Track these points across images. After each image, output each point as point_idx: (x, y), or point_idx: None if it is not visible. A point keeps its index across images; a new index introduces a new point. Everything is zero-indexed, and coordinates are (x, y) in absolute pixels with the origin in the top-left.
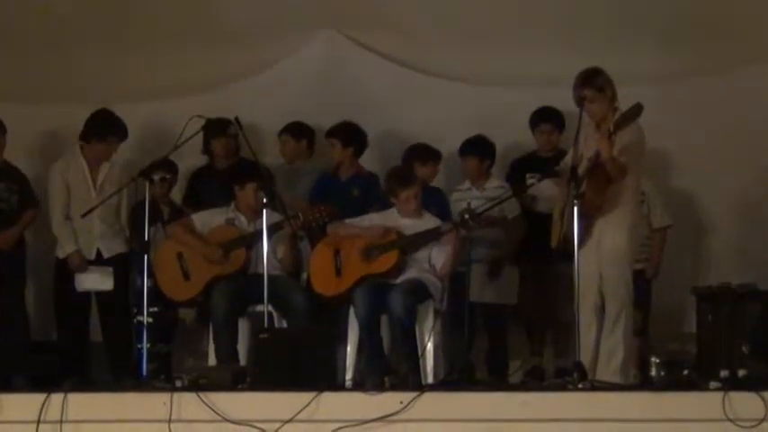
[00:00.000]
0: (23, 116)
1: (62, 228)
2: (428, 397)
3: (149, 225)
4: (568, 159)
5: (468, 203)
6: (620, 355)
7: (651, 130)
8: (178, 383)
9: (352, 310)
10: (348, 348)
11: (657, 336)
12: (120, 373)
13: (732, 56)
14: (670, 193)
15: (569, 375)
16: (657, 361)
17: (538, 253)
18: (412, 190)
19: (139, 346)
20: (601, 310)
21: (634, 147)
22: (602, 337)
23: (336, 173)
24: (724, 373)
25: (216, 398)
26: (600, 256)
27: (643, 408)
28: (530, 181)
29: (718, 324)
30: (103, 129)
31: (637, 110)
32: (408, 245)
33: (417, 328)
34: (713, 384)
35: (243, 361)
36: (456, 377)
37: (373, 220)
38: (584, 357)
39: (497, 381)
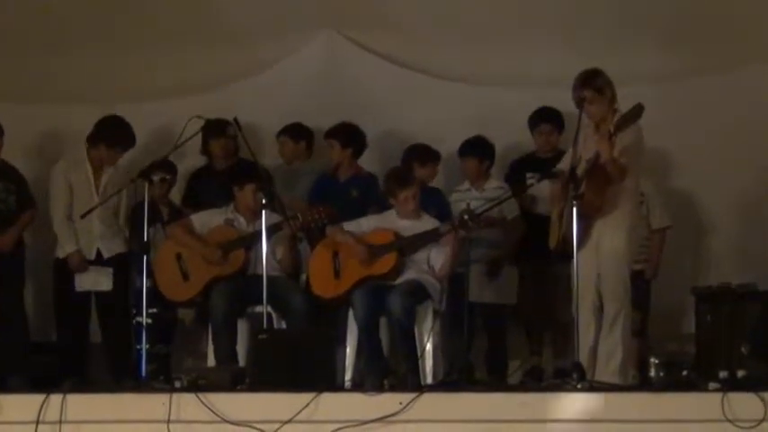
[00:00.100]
0: (23, 116)
1: (64, 227)
2: (427, 398)
3: (149, 226)
4: (567, 160)
5: (468, 204)
6: (618, 355)
7: (651, 130)
8: (177, 384)
9: (350, 312)
10: (347, 349)
11: (657, 336)
12: (120, 374)
13: (732, 56)
14: (670, 193)
15: (568, 376)
16: (656, 361)
17: (537, 253)
18: (410, 191)
19: (139, 346)
20: (599, 310)
21: (633, 148)
22: (601, 338)
23: (335, 174)
24: (723, 374)
25: (215, 398)
26: (598, 257)
27: (642, 408)
28: (530, 181)
29: (718, 324)
30: (113, 135)
31: (638, 111)
32: (407, 246)
33: (416, 329)
34: (712, 385)
35: (242, 362)
36: (455, 378)
37: (371, 222)
38: (583, 358)
39: (496, 381)
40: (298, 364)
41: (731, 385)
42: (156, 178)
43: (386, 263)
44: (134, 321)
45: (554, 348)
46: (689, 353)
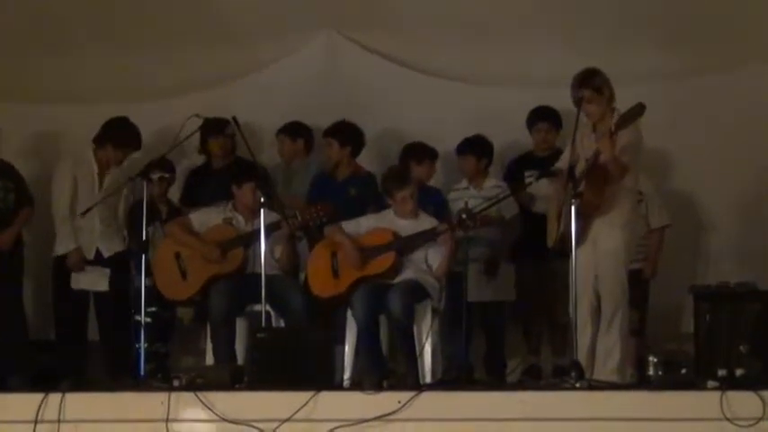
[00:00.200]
0: (22, 116)
1: (66, 224)
2: (426, 396)
3: (147, 224)
4: (565, 159)
5: (466, 203)
6: (616, 355)
7: (651, 130)
8: (176, 383)
9: (349, 311)
10: (346, 348)
11: (655, 335)
12: (118, 373)
13: (732, 55)
14: (669, 193)
15: (567, 374)
16: (655, 360)
17: (535, 252)
18: (408, 190)
19: (137, 345)
20: (597, 309)
21: (632, 147)
22: (599, 337)
23: (334, 172)
24: (722, 373)
25: (214, 397)
26: (596, 256)
27: (641, 407)
28: (528, 179)
29: (717, 323)
30: (120, 137)
31: (638, 110)
32: (405, 246)
33: (415, 328)
34: (711, 384)
35: (241, 360)
36: (454, 376)
37: (370, 221)
38: (582, 357)
39: (495, 380)
40: (296, 363)
41: (730, 384)
42: (154, 177)
43: (384, 262)
44: (133, 320)
45: (552, 347)
46: (687, 352)
